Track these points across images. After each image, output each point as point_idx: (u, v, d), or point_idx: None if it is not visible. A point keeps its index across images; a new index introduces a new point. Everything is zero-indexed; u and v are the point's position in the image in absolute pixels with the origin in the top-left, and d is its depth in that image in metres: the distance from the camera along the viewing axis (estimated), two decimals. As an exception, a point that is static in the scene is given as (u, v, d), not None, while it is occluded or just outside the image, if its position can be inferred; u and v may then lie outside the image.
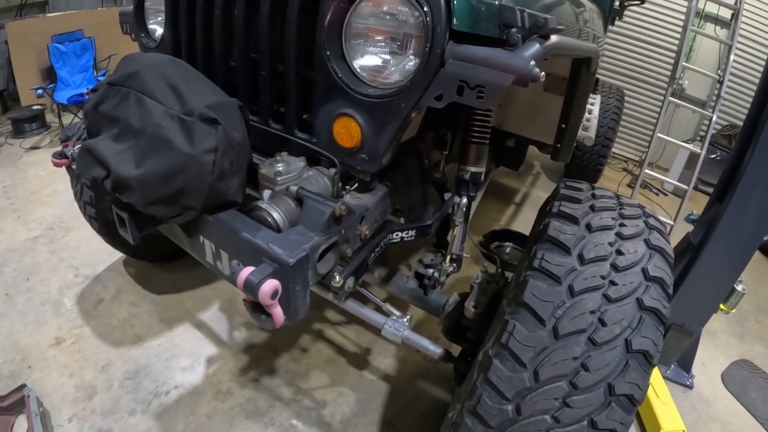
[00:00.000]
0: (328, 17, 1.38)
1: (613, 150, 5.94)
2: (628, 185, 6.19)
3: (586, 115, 3.10)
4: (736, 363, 3.23)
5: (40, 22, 5.80)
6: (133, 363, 2.57)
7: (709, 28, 6.14)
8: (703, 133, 6.17)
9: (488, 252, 2.37)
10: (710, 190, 5.70)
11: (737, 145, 2.67)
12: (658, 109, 5.06)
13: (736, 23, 4.26)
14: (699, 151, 4.21)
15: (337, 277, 1.49)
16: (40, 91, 5.15)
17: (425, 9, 1.24)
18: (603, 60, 6.31)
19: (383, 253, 1.76)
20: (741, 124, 4.54)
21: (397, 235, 1.79)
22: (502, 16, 1.29)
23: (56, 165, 1.74)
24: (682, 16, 5.19)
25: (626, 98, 5.85)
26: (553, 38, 1.35)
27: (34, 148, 5.08)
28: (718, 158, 5.87)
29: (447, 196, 1.98)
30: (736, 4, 4.31)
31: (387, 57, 1.41)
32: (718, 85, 4.42)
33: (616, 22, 5.13)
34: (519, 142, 3.19)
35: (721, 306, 2.68)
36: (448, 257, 2.00)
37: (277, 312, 1.21)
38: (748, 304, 3.87)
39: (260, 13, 1.50)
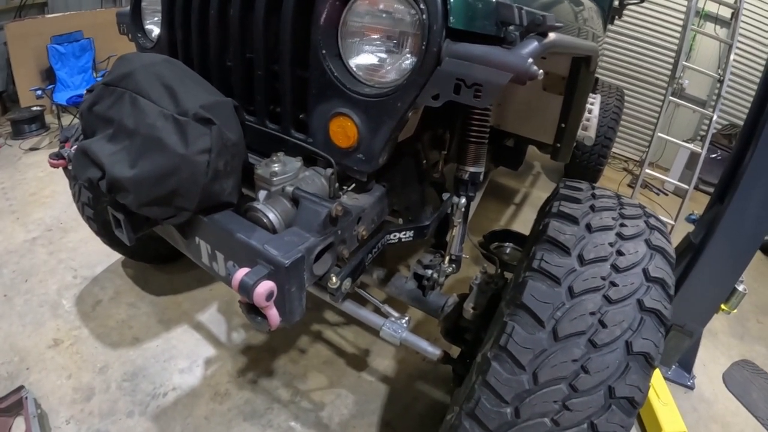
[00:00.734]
0: (324, 16, 1.36)
1: (613, 150, 5.92)
2: (629, 185, 6.18)
3: (586, 114, 3.08)
4: (737, 363, 3.22)
5: (40, 23, 5.79)
6: (130, 365, 2.56)
7: (709, 27, 6.12)
8: (703, 133, 6.16)
9: (488, 253, 2.35)
10: (711, 189, 5.69)
11: (738, 144, 2.65)
12: (659, 109, 5.04)
13: (736, 22, 4.24)
14: (699, 150, 4.20)
15: (334, 278, 1.47)
16: (39, 92, 5.16)
17: (421, 6, 1.23)
18: (603, 59, 6.30)
19: (381, 254, 1.75)
20: (741, 123, 4.53)
21: (394, 235, 1.78)
22: (499, 13, 1.28)
23: (53, 166, 1.73)
24: (682, 15, 5.18)
25: (626, 98, 5.83)
26: (552, 36, 1.34)
27: (33, 149, 5.08)
28: (719, 158, 5.85)
29: (445, 196, 1.96)
30: (736, 3, 4.29)
31: (383, 55, 1.39)
32: (718, 85, 4.41)
33: (616, 21, 5.12)
34: (518, 142, 3.17)
35: (722, 306, 2.67)
36: (447, 258, 1.99)
37: (273, 314, 1.20)
38: (749, 304, 3.86)
39: (255, 12, 1.49)
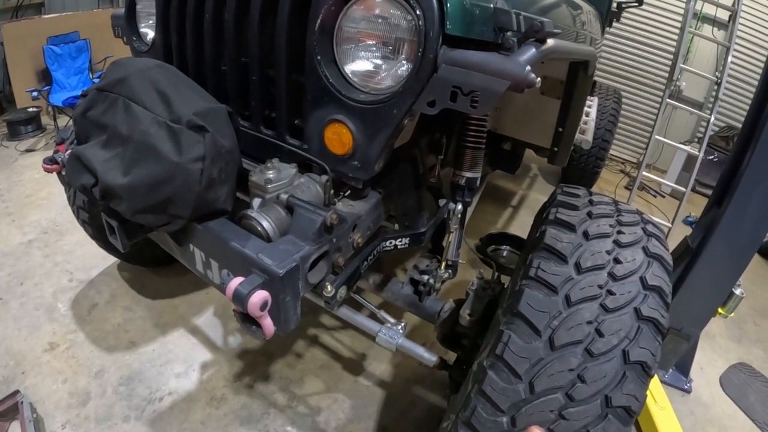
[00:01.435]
0: (319, 21, 1.35)
1: (611, 152, 5.91)
2: (626, 187, 6.17)
3: (584, 117, 3.08)
4: (735, 366, 3.22)
5: (36, 23, 5.76)
6: (126, 369, 2.55)
7: (707, 29, 6.13)
8: (700, 135, 6.17)
9: (485, 257, 2.35)
10: (708, 191, 5.72)
11: (735, 148, 2.64)
12: (656, 111, 5.05)
13: (734, 25, 4.25)
14: (697, 153, 4.20)
15: (329, 286, 1.46)
16: (35, 94, 5.14)
17: (417, 12, 1.21)
18: (600, 62, 6.29)
19: (377, 259, 1.74)
20: (738, 125, 4.52)
21: (390, 242, 1.77)
22: (497, 19, 1.27)
23: (47, 171, 1.72)
24: (680, 18, 5.19)
25: (624, 100, 5.82)
26: (550, 42, 1.33)
27: (29, 150, 5.06)
28: (716, 159, 5.86)
29: (442, 202, 1.95)
30: (734, 5, 4.30)
31: (379, 62, 1.38)
32: (715, 87, 4.41)
33: (614, 24, 5.11)
34: (515, 146, 3.16)
35: (720, 310, 2.66)
36: (444, 263, 1.98)
37: (267, 323, 1.19)
38: (746, 306, 3.85)
39: (250, 16, 1.48)
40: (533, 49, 1.24)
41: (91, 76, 5.98)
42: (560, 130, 2.37)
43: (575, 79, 2.12)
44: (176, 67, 1.73)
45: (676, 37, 5.64)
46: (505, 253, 2.57)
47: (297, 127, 1.58)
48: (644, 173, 4.49)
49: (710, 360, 3.24)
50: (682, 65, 4.22)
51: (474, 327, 1.82)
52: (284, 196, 1.41)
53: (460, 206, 1.85)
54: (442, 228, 2.00)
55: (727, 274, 2.55)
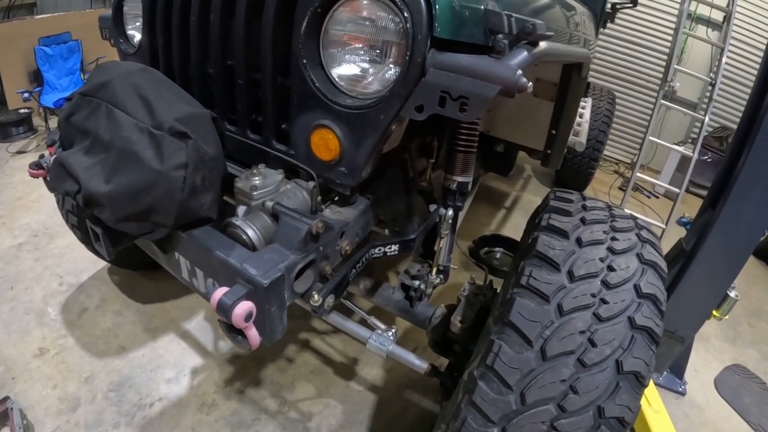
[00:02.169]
0: (305, 23, 1.31)
1: (605, 152, 5.90)
2: (620, 188, 6.15)
3: (577, 119, 3.06)
4: (729, 368, 3.21)
5: (28, 24, 5.71)
6: (116, 374, 2.52)
7: (701, 30, 6.12)
8: (694, 135, 6.16)
9: (477, 261, 2.32)
10: (702, 192, 5.72)
11: (730, 150, 2.63)
12: (650, 112, 5.04)
13: (728, 26, 4.24)
14: (690, 154, 4.19)
15: (316, 295, 1.43)
16: (26, 95, 5.09)
17: (405, 14, 1.18)
18: (594, 63, 6.28)
19: (368, 264, 1.71)
20: (733, 126, 4.50)
21: (379, 249, 1.73)
22: (487, 21, 1.24)
23: (32, 176, 1.69)
24: (674, 19, 5.17)
25: (617, 100, 5.81)
26: (542, 45, 1.30)
27: (20, 152, 5.00)
28: (709, 160, 5.85)
29: (432, 207, 1.92)
30: (728, 6, 4.29)
31: (366, 65, 1.35)
32: (709, 88, 4.40)
33: (608, 25, 5.10)
34: (508, 148, 3.14)
35: (714, 312, 2.65)
36: (435, 269, 1.95)
37: (253, 334, 1.16)
38: (741, 307, 3.84)
39: (236, 18, 1.45)
40: (525, 52, 1.21)
41: (82, 77, 5.91)
42: (554, 132, 2.35)
43: (569, 81, 2.10)
44: (163, 70, 1.70)
45: (670, 38, 5.65)
46: (498, 255, 2.54)
47: (284, 131, 1.55)
48: (638, 174, 4.47)
49: (705, 361, 3.24)
50: (676, 66, 4.22)
51: (465, 333, 1.80)
52: (270, 204, 1.37)
53: (451, 211, 1.81)
54: (433, 232, 1.97)
55: (722, 277, 2.54)
